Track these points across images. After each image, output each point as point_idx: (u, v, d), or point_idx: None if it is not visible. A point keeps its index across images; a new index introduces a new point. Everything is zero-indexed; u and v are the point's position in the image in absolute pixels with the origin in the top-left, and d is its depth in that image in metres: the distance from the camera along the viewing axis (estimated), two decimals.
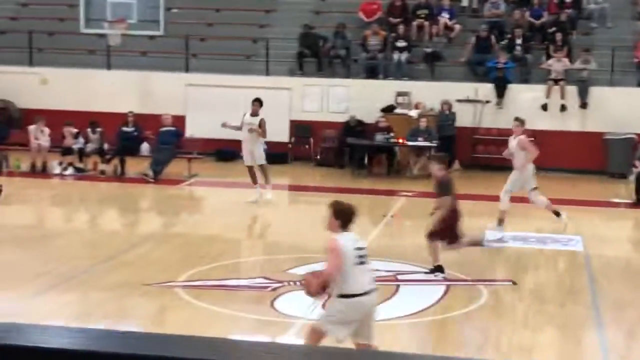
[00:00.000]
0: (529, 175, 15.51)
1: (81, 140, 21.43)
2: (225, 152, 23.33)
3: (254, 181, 17.92)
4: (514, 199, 15.94)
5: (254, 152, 17.82)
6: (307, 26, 25.10)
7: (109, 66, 24.73)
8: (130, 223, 17.20)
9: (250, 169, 17.99)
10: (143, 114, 22.42)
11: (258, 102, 18.02)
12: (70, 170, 20.83)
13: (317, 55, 24.84)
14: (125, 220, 17.46)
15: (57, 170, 20.90)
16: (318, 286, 7.90)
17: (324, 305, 8.91)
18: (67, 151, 21.08)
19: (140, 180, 20.32)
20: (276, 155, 22.78)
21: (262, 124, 17.79)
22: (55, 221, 17.09)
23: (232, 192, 19.43)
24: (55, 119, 21.94)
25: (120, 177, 20.82)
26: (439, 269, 12.51)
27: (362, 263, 7.92)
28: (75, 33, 24.72)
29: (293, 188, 21.49)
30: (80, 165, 21.13)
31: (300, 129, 24.12)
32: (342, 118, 23.49)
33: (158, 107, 22.50)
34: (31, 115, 22.38)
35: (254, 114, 17.88)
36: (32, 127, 21.39)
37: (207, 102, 23.78)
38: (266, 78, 24.15)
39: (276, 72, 24.49)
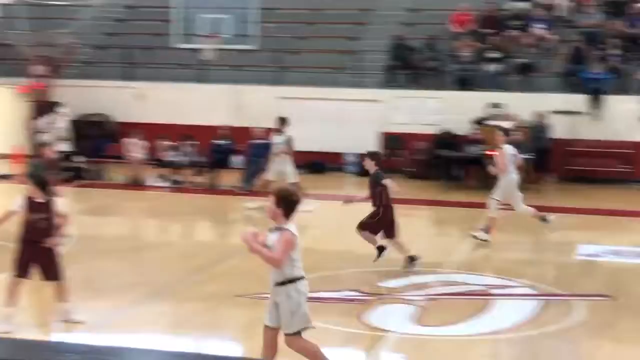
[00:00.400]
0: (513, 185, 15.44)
1: (175, 153, 21.78)
2: (317, 164, 23.41)
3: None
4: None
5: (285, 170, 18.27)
6: (398, 38, 25.06)
7: (202, 80, 25.08)
8: (222, 234, 17.37)
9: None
10: (235, 127, 22.67)
11: (282, 120, 18.64)
12: (164, 183, 21.17)
13: (408, 67, 24.77)
14: (218, 232, 17.65)
15: (152, 182, 21.25)
16: (256, 251, 8.02)
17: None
18: (162, 164, 21.44)
19: (232, 192, 20.53)
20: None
21: (288, 142, 18.38)
22: (150, 233, 17.37)
23: (324, 204, 19.47)
24: (151, 132, 22.35)
25: (213, 189, 21.07)
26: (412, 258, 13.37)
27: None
28: (170, 48, 25.17)
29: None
30: (175, 178, 21.46)
31: (391, 141, 24.05)
32: (433, 130, 23.35)
33: (250, 120, 22.71)
34: (127, 129, 22.83)
35: (279, 132, 18.59)
36: (128, 140, 21.81)
37: (298, 115, 23.90)
38: (357, 90, 24.18)
39: (367, 84, 24.50)
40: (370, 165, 13.54)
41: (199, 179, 21.51)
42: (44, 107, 23.26)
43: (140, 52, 25.86)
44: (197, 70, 25.11)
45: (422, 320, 11.14)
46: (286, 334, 8.00)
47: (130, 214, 19.30)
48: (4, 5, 27.82)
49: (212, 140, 21.80)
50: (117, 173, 21.64)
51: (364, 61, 24.78)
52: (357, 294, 12.23)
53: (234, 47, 24.80)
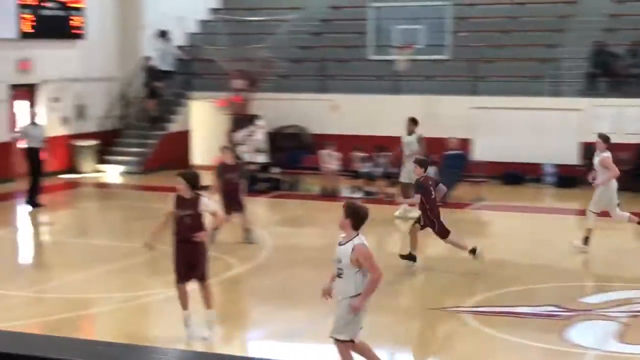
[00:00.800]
0: (612, 192, 15.32)
1: (369, 164, 21.85)
2: (513, 175, 22.89)
3: (405, 196, 18.03)
4: None
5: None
6: (599, 44, 24.18)
7: (396, 91, 25.07)
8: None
9: (405, 186, 18.30)
10: (429, 138, 22.49)
11: (413, 121, 19.08)
12: (359, 194, 21.24)
13: (609, 75, 23.85)
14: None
15: (347, 193, 21.38)
16: (366, 298, 8.49)
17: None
18: (356, 175, 21.54)
19: None
20: (564, 178, 22.07)
21: (420, 141, 18.81)
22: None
23: (520, 216, 19.00)
24: (345, 143, 22.51)
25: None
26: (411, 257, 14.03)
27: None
28: (364, 60, 25.29)
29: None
30: (368, 189, 21.51)
31: (591, 151, 23.16)
32: (636, 140, 22.34)
33: (444, 130, 22.49)
34: (322, 140, 23.10)
35: (410, 132, 18.88)
36: (323, 152, 22.07)
37: (493, 125, 23.50)
38: (555, 99, 23.49)
39: (565, 92, 23.77)
40: (417, 171, 14.34)
41: (392, 190, 21.46)
42: (242, 120, 23.89)
43: (334, 65, 26.15)
44: (391, 81, 25.13)
45: (625, 337, 10.63)
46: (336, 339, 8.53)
47: (324, 225, 19.46)
48: (203, 21, 28.83)
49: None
50: (312, 184, 21.91)
51: (561, 69, 24.05)
52: (558, 309, 11.80)
53: (428, 57, 24.66)
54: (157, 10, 26.72)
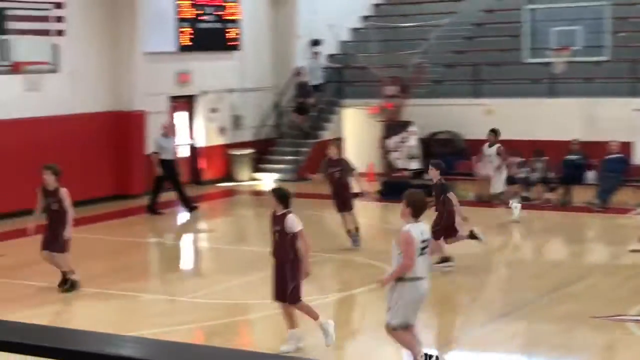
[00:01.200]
0: None
1: (525, 169, 21.37)
2: None
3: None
4: None
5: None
6: None
7: (552, 94, 24.46)
8: (576, 253, 16.73)
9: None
10: (588, 142, 21.83)
11: (493, 132, 19.26)
12: (516, 200, 20.80)
13: None
14: (571, 250, 17.02)
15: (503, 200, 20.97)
16: (390, 279, 9.00)
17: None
18: (512, 180, 21.10)
19: (586, 209, 19.75)
20: None
21: (500, 153, 18.85)
22: (501, 251, 17.10)
23: None
24: None
25: (565, 206, 20.41)
26: (446, 259, 14.14)
27: (423, 253, 8.89)
28: (519, 63, 24.80)
29: None
30: (525, 194, 21.04)
31: None
32: None
33: (604, 134, 21.77)
34: (476, 146, 22.75)
35: (491, 144, 19.11)
36: (477, 157, 21.71)
37: None
38: None
39: None
40: (434, 175, 14.62)
41: (550, 196, 20.92)
42: (394, 126, 23.82)
43: (488, 69, 25.75)
44: (548, 84, 24.54)
45: None
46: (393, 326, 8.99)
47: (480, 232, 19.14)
48: (355, 29, 28.94)
49: (565, 156, 21.13)
50: (466, 190, 21.59)
51: None
52: None
53: (586, 59, 23.95)
54: (310, 20, 26.99)
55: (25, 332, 1.89)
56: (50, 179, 13.20)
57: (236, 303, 12.73)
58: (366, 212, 19.29)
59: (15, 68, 14.98)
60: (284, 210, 10.00)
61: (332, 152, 16.04)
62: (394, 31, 27.82)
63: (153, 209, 19.88)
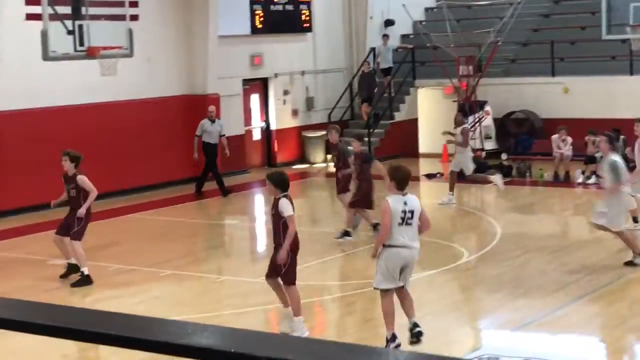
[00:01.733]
0: None
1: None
2: None
3: None
4: None
5: None
6: None
7: (631, 72, 23.93)
8: None
9: None
10: None
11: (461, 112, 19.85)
12: (593, 179, 20.44)
13: None
14: None
15: (580, 179, 20.64)
16: (375, 248, 9.70)
17: None
18: (590, 160, 20.73)
19: None
20: None
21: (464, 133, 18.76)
22: (578, 231, 16.83)
23: None
24: (577, 127, 21.72)
25: None
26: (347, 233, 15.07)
27: (406, 223, 9.37)
28: (597, 40, 24.29)
29: None
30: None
31: None
32: None
33: None
34: (553, 125, 22.40)
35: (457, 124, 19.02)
36: (554, 137, 21.39)
37: None
38: None
39: None
40: (334, 139, 15.53)
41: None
42: (469, 106, 23.59)
43: (565, 46, 25.29)
44: (626, 61, 24.00)
45: None
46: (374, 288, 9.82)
47: (557, 212, 18.89)
48: (428, 9, 28.67)
49: None
50: (543, 170, 21.30)
51: None
52: None
53: None
54: (383, 1, 26.82)
55: (100, 321, 1.88)
56: (67, 165, 13.02)
57: (311, 284, 12.75)
58: (440, 192, 19.12)
59: (91, 53, 15.15)
60: (280, 195, 10.04)
61: (331, 137, 16.10)
62: (468, 10, 27.49)
63: (200, 191, 20.25)
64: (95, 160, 19.70)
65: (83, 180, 13.01)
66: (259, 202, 21.10)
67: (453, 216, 17.97)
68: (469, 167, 18.34)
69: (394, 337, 9.55)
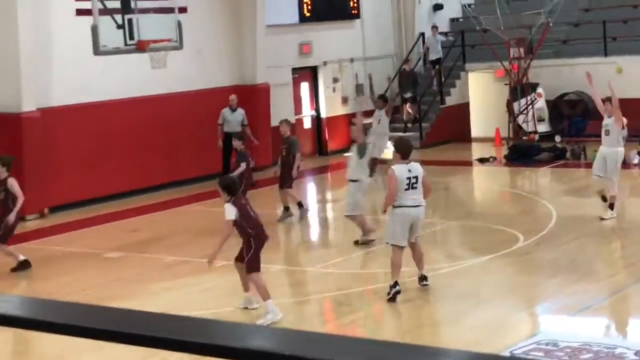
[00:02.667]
0: None
1: None
2: None
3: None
4: None
5: None
6: None
7: None
8: None
9: None
10: None
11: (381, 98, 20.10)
12: None
13: None
14: None
15: (636, 160, 20.34)
16: (386, 206, 11.30)
17: None
18: None
19: None
20: None
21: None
22: (635, 213, 16.58)
23: None
24: (631, 108, 21.36)
25: None
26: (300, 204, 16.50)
27: (412, 187, 10.88)
28: None
29: None
30: None
31: None
32: None
33: None
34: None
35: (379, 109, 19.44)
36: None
37: None
38: None
39: None
40: (284, 131, 16.19)
41: None
42: (521, 89, 23.33)
43: (618, 26, 24.87)
44: None
45: None
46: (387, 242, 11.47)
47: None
48: None
49: None
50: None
51: None
52: None
53: None
54: None
55: (152, 324, 1.87)
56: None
57: (365, 272, 12.73)
58: (493, 176, 18.98)
59: (140, 46, 15.25)
60: (227, 199, 10.41)
61: (282, 130, 16.32)
62: None
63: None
64: (149, 153, 19.87)
65: (12, 184, 13.40)
66: (311, 191, 21.11)
67: (507, 200, 17.81)
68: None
69: (395, 284, 10.95)
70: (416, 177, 10.93)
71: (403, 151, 11.19)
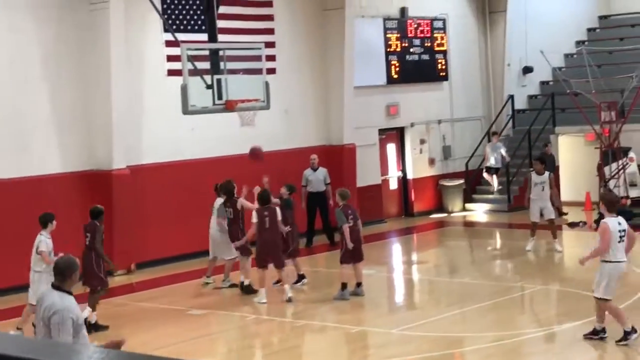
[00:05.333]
0: None
1: None
2: None
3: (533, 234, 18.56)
4: None
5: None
6: None
7: None
8: None
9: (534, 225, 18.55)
10: None
11: (539, 161, 19.24)
12: None
13: None
14: None
15: None
16: (590, 258, 11.66)
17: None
18: None
19: None
20: None
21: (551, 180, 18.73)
22: None
23: None
24: None
25: None
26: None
27: (621, 240, 11.09)
28: None
29: None
30: None
31: None
32: None
33: None
34: None
35: (539, 173, 18.66)
36: None
37: None
38: None
39: None
40: (284, 192, 16.32)
41: None
42: (613, 153, 22.89)
43: None
44: None
45: None
46: (595, 297, 11.37)
47: None
48: (568, 55, 28.10)
49: None
50: None
51: None
52: None
53: None
54: (521, 48, 26.49)
55: None
56: None
57: (449, 336, 12.50)
58: (583, 241, 18.57)
59: (229, 106, 15.44)
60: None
61: (282, 192, 16.61)
62: (609, 55, 26.87)
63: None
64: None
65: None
66: (397, 252, 20.96)
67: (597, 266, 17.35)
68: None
69: (634, 330, 11.26)
70: (624, 231, 11.19)
71: (610, 202, 11.44)
